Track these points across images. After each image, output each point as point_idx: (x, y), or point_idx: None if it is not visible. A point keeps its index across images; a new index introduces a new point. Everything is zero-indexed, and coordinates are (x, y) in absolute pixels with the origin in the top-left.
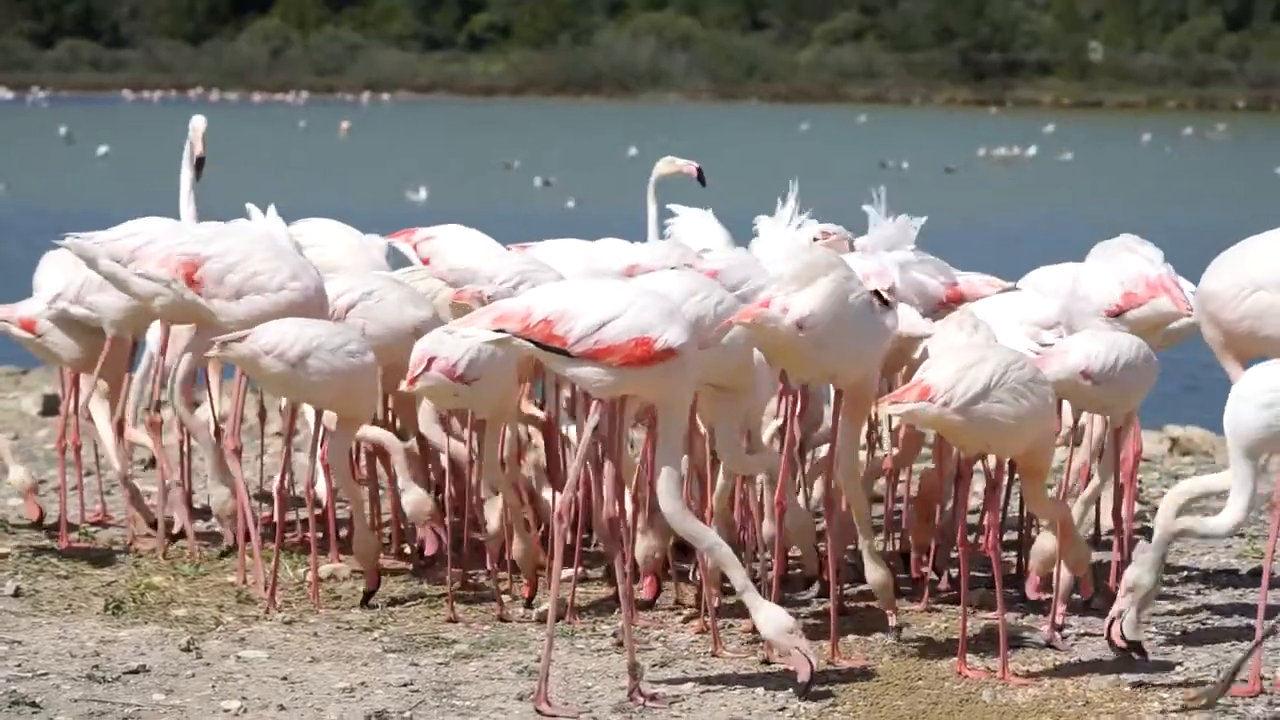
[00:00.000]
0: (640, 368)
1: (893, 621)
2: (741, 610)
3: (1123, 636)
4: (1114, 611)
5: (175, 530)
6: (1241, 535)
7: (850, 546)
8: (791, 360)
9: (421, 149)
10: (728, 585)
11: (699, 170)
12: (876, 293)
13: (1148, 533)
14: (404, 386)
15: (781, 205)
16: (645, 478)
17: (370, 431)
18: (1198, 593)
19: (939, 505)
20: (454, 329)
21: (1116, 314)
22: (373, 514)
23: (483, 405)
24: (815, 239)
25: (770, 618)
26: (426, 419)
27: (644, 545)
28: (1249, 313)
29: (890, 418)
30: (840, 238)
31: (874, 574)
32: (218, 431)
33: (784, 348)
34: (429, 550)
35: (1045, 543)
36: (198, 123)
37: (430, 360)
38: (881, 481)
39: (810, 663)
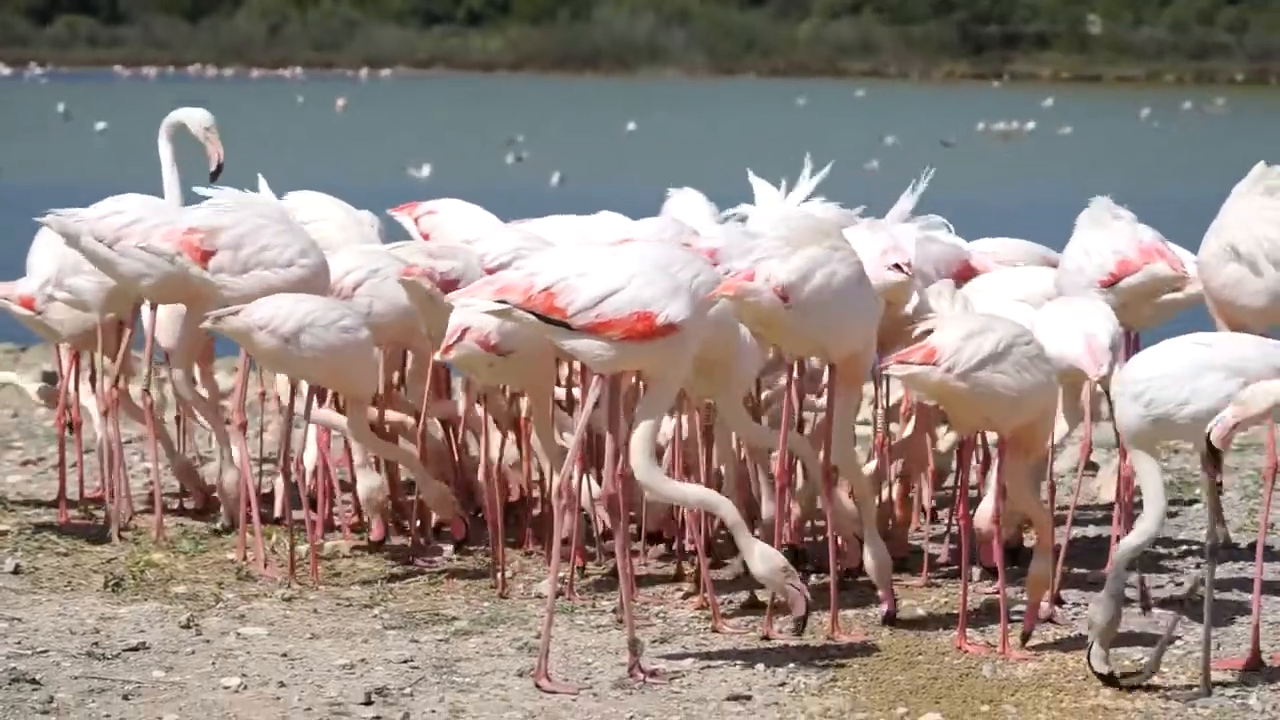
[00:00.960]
0: (641, 342)
1: (886, 607)
2: (740, 586)
3: (1090, 667)
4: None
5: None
6: (1237, 510)
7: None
8: (778, 333)
9: (422, 125)
10: (725, 563)
11: None
12: (897, 265)
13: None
14: (438, 355)
15: (807, 178)
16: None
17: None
18: (1196, 566)
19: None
20: (455, 299)
21: (1110, 283)
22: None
23: (518, 378)
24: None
25: (763, 556)
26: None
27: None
28: (1227, 281)
29: (879, 398)
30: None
31: (872, 556)
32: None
33: (768, 320)
34: (375, 535)
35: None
36: (203, 119)
37: (464, 330)
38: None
39: (805, 598)
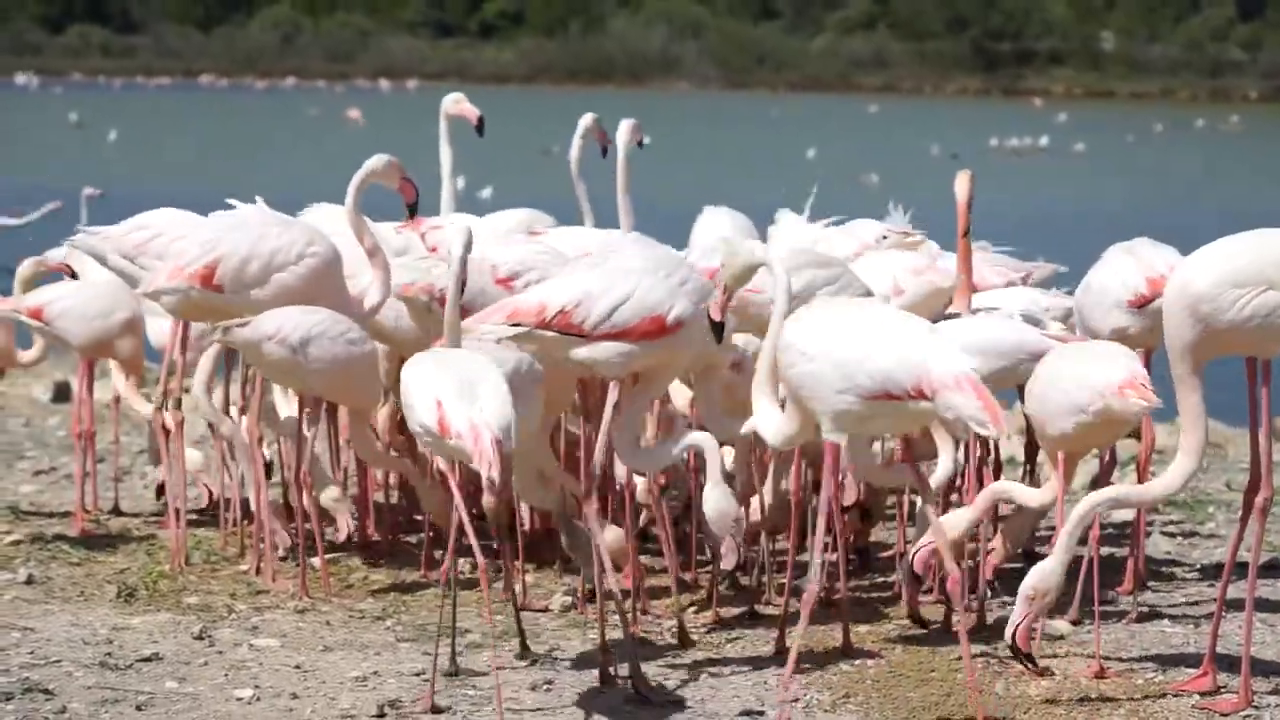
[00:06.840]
0: (651, 342)
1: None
2: (742, 600)
3: (1012, 646)
4: (1014, 618)
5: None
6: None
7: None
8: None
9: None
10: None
11: (480, 119)
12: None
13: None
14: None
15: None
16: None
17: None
18: (1210, 585)
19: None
20: (469, 329)
21: (1141, 305)
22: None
23: None
24: (884, 236)
25: (719, 497)
26: None
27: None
28: None
29: None
30: (917, 240)
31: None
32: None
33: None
34: (340, 536)
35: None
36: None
37: None
38: None
39: (737, 555)
